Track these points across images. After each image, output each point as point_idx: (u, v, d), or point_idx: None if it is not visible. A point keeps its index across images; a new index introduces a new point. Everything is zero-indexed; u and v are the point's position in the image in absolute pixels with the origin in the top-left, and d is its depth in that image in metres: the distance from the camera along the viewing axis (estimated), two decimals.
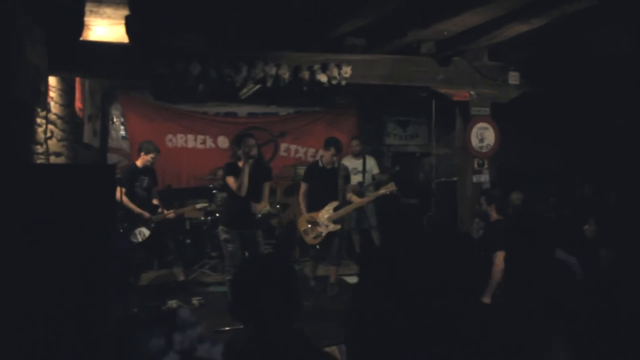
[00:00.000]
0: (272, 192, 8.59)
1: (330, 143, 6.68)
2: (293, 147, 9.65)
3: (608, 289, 5.07)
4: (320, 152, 7.28)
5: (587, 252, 6.11)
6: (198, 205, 7.26)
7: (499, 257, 4.90)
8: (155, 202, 6.85)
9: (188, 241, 8.08)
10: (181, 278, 6.85)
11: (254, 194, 5.97)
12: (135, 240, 6.49)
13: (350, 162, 8.12)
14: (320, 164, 6.77)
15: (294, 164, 9.14)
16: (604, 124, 8.05)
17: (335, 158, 6.69)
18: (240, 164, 5.91)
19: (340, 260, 6.97)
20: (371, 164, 8.37)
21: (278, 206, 8.62)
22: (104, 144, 8.74)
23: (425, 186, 9.02)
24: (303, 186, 6.81)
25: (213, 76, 5.76)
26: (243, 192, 5.81)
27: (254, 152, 5.86)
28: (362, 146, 8.51)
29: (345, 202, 6.73)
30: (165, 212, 6.81)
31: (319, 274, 7.04)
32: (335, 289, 6.73)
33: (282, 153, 9.60)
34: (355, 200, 6.81)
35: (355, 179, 8.03)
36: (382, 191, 6.76)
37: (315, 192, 6.70)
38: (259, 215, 6.43)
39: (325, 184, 6.66)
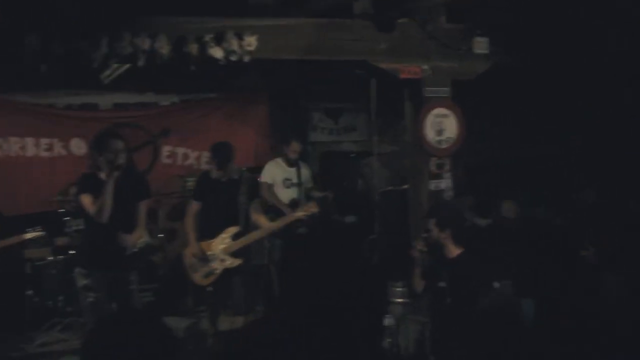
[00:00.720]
0: (153, 214, 8.44)
1: (214, 150, 6.72)
2: (180, 150, 9.55)
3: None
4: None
5: (586, 279, 6.41)
6: (28, 235, 7.01)
7: None
8: None
9: (29, 292, 7.77)
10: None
11: (124, 219, 5.85)
12: None
13: (280, 170, 8.04)
14: (213, 175, 6.75)
15: (182, 174, 9.02)
16: (604, 102, 8.47)
17: (227, 169, 6.70)
18: (104, 176, 5.76)
19: (250, 308, 6.89)
20: (306, 174, 8.28)
21: (161, 235, 8.46)
22: None
23: (365, 198, 9.09)
24: (194, 206, 6.77)
25: (59, 52, 5.61)
26: (104, 217, 5.68)
27: (122, 159, 5.71)
28: (301, 148, 8.34)
29: (251, 227, 6.71)
30: None
31: (223, 328, 6.94)
32: None
33: (165, 159, 9.48)
34: (264, 224, 6.79)
35: (288, 194, 7.95)
36: (298, 214, 6.79)
37: (209, 213, 6.67)
38: (134, 250, 6.29)
39: (221, 202, 6.64)
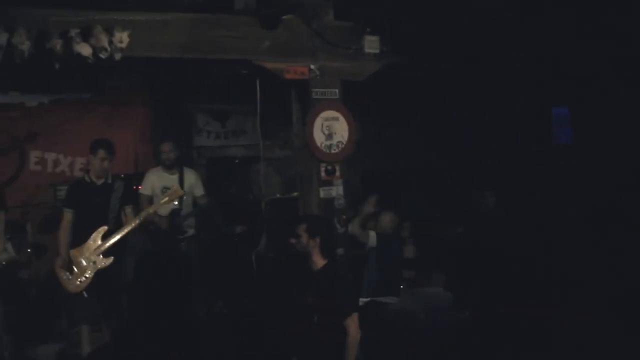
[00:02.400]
0: (20, 227, 8.16)
1: (97, 145, 6.65)
2: (50, 156, 9.35)
3: None
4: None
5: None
6: None
7: (353, 322, 5.09)
8: None
9: None
10: None
11: None
12: None
13: (159, 178, 7.84)
14: (87, 179, 6.71)
15: (53, 182, 8.82)
16: (499, 102, 8.75)
17: (106, 166, 6.65)
18: None
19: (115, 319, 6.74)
20: (191, 180, 8.05)
21: (29, 250, 8.16)
22: None
23: (255, 206, 9.03)
24: (66, 215, 6.68)
25: None
26: None
27: None
28: (177, 152, 8.11)
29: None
30: None
31: (98, 345, 6.76)
32: None
33: (33, 166, 9.27)
34: (130, 220, 6.65)
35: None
36: (162, 201, 6.65)
37: (83, 221, 6.56)
38: None
39: (98, 208, 6.59)
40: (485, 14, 7.04)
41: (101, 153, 6.59)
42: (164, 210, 7.38)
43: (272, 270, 7.89)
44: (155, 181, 7.72)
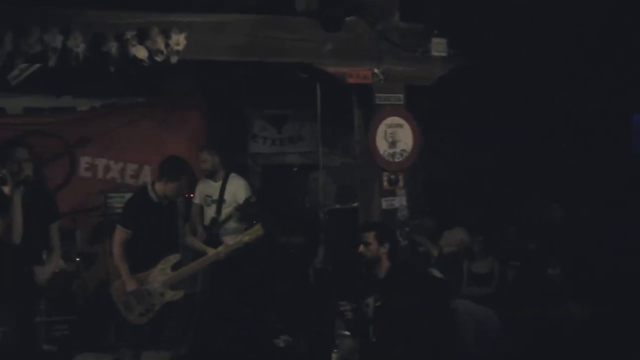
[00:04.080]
0: (69, 235, 8.28)
1: (179, 170, 6.61)
2: (101, 162, 9.41)
3: None
4: (148, 173, 7.14)
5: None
6: None
7: None
8: None
9: None
10: None
11: (31, 242, 5.73)
12: None
13: (204, 187, 7.92)
14: (153, 196, 6.64)
15: (103, 189, 8.91)
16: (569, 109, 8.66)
17: (184, 192, 6.75)
18: (7, 190, 5.60)
19: (181, 345, 6.83)
20: (233, 189, 8.10)
21: (78, 259, 8.31)
22: None
23: (313, 217, 9.04)
24: (121, 233, 6.63)
25: None
26: (15, 237, 5.56)
27: (27, 170, 5.62)
28: (217, 160, 8.20)
29: (192, 256, 6.72)
30: None
31: None
32: None
33: (83, 172, 9.34)
34: (208, 250, 6.73)
35: (208, 213, 7.84)
36: (246, 238, 6.77)
37: (141, 241, 6.57)
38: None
39: (160, 228, 6.57)
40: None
41: (184, 180, 6.62)
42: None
43: (330, 282, 7.88)
44: (202, 189, 7.80)
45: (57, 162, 9.02)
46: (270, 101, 10.20)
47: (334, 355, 6.30)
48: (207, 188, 7.88)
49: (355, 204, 7.41)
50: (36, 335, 5.76)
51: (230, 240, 7.07)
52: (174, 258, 6.52)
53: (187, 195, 7.78)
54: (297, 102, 9.90)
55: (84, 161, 9.35)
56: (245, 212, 7.81)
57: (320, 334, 7.51)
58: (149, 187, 6.77)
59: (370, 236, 5.66)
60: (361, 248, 5.76)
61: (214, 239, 7.35)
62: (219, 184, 7.91)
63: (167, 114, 9.63)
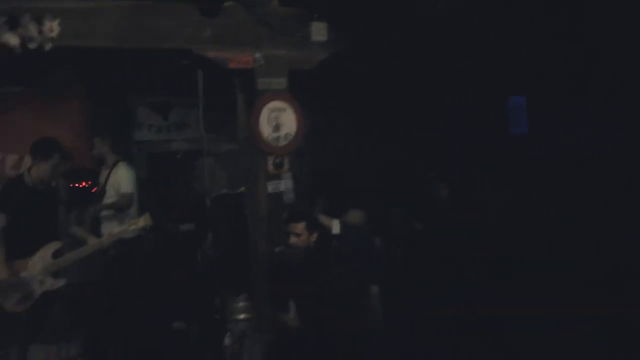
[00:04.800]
0: None
1: (49, 148, 6.46)
2: None
3: None
4: (27, 161, 7.00)
5: None
6: None
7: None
8: None
9: None
10: None
11: None
12: None
13: (101, 175, 7.97)
14: (28, 181, 6.49)
15: (10, 178, 8.59)
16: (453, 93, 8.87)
17: (60, 172, 6.57)
18: None
19: (63, 336, 6.73)
20: (117, 177, 8.08)
21: None
22: None
23: (200, 203, 9.01)
24: None
25: None
26: None
27: None
28: (105, 147, 8.17)
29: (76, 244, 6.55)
30: None
31: None
32: None
33: None
34: (91, 240, 6.63)
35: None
36: (131, 227, 6.69)
37: (21, 228, 6.37)
38: None
39: (38, 215, 6.42)
40: (437, 5, 7.11)
41: (56, 158, 6.42)
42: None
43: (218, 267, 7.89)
44: (100, 177, 7.77)
45: None
46: (154, 89, 10.09)
47: (226, 339, 6.33)
48: (101, 176, 8.05)
49: (241, 189, 7.43)
50: None
51: (115, 229, 7.00)
52: (54, 245, 6.38)
53: (71, 186, 7.68)
54: (182, 89, 9.84)
55: None
56: (121, 207, 7.81)
57: (212, 319, 7.53)
58: (25, 173, 6.60)
59: (300, 227, 5.85)
60: (292, 239, 5.93)
61: (95, 228, 7.35)
62: (106, 173, 7.91)
63: (46, 104, 9.43)
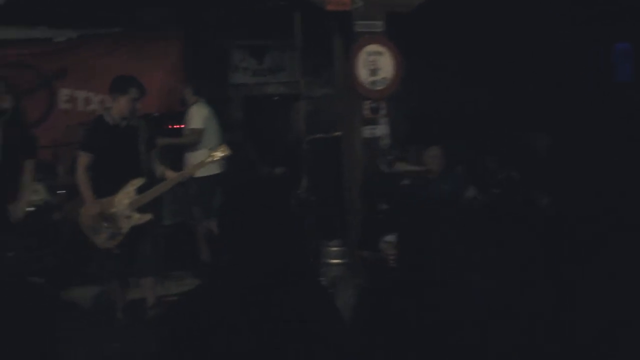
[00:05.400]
0: (51, 169, 8.37)
1: (125, 83, 6.54)
2: (81, 94, 9.40)
3: None
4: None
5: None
6: None
7: None
8: None
9: None
10: None
11: (9, 176, 5.81)
12: None
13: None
14: (109, 120, 6.57)
15: (83, 121, 8.62)
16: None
17: (137, 107, 6.58)
18: None
19: (159, 269, 6.85)
20: (190, 113, 8.36)
21: (61, 192, 8.31)
22: None
23: (295, 146, 9.04)
24: (83, 158, 6.53)
25: None
26: None
27: (5, 103, 5.57)
28: (188, 89, 8.41)
29: (156, 180, 6.66)
30: None
31: (133, 296, 6.95)
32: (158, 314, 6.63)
33: (63, 105, 9.35)
34: (170, 175, 6.72)
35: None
36: (209, 159, 6.77)
37: (104, 166, 6.52)
38: (30, 209, 6.28)
39: (121, 152, 6.52)
40: None
41: (133, 92, 6.45)
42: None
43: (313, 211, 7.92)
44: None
45: (35, 95, 8.99)
46: (250, 32, 10.11)
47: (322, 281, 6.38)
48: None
49: (338, 133, 7.42)
50: (18, 268, 5.75)
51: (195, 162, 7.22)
52: (138, 181, 6.47)
53: (170, 127, 7.83)
54: (278, 32, 9.83)
55: (63, 93, 9.33)
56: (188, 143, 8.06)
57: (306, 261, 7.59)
58: (105, 112, 6.70)
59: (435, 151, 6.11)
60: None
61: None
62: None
63: (144, 45, 9.57)
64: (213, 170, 7.91)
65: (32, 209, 6.47)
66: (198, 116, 8.29)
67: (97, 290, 7.29)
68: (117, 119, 6.52)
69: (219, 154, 6.73)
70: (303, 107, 8.74)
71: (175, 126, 8.80)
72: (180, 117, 8.62)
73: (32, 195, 6.85)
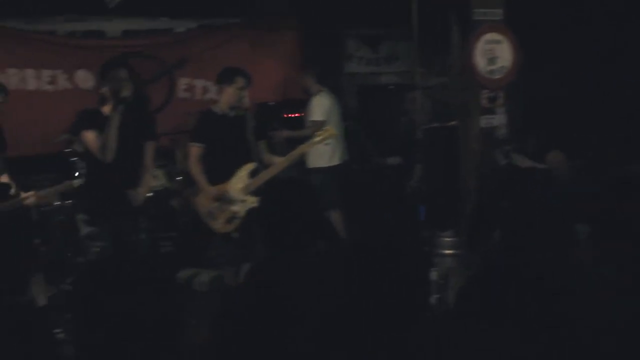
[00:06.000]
0: (170, 155, 8.56)
1: (231, 73, 6.68)
2: (199, 83, 9.54)
3: None
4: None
5: None
6: (76, 182, 7.15)
7: None
8: (4, 179, 6.79)
9: (36, 240, 7.91)
10: (42, 301, 6.72)
11: (130, 160, 5.95)
12: None
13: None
14: (217, 111, 6.73)
15: (202, 110, 8.99)
16: None
17: (244, 96, 6.67)
18: (108, 110, 5.80)
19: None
20: (313, 104, 8.37)
21: (180, 178, 8.51)
22: None
23: (409, 136, 9.00)
24: (194, 149, 6.75)
25: None
26: (109, 155, 5.77)
27: (128, 90, 5.73)
28: (310, 79, 8.46)
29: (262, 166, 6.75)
30: (23, 194, 6.61)
31: (246, 279, 7.01)
32: None
33: (182, 93, 9.51)
34: (277, 160, 6.79)
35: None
36: (316, 139, 6.73)
37: (216, 154, 6.68)
38: (149, 195, 6.43)
39: (231, 140, 6.65)
40: None
41: (240, 82, 6.57)
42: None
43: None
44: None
45: (156, 84, 9.17)
46: (365, 20, 10.10)
47: (432, 274, 6.34)
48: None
49: (453, 123, 7.36)
50: (135, 250, 5.92)
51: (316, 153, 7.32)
52: (250, 166, 6.57)
53: (285, 116, 7.91)
54: (393, 21, 9.81)
55: (182, 82, 9.50)
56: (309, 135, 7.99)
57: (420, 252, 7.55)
58: (214, 104, 6.88)
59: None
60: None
61: None
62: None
63: (261, 35, 9.67)
64: (334, 161, 7.93)
65: (151, 194, 6.62)
66: (320, 108, 8.30)
67: (213, 275, 7.45)
68: (225, 109, 6.65)
69: (326, 134, 6.74)
70: (418, 96, 8.70)
71: (291, 115, 8.87)
72: (297, 105, 8.69)
73: (152, 181, 7.02)
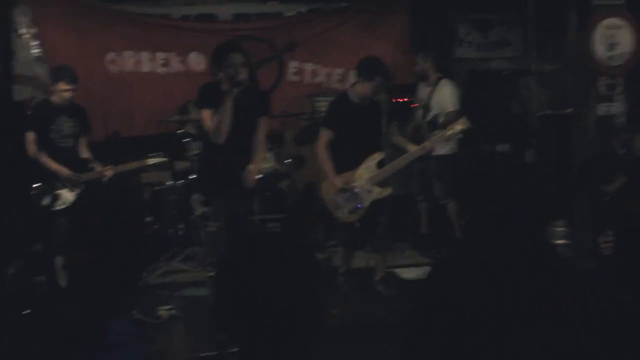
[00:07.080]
0: (279, 138, 8.64)
1: (373, 70, 6.53)
2: (308, 66, 9.58)
3: None
4: (352, 77, 7.18)
5: None
6: (151, 160, 7.36)
7: None
8: (85, 155, 7.11)
9: (149, 219, 8.13)
10: (64, 282, 6.92)
11: (244, 142, 5.99)
12: (53, 207, 6.77)
13: (419, 91, 8.16)
14: (353, 98, 6.67)
15: (311, 94, 9.08)
16: None
17: (380, 91, 6.61)
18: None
19: (389, 244, 6.94)
20: (441, 93, 8.08)
21: (288, 161, 8.61)
22: (5, 70, 8.71)
23: (521, 123, 8.88)
24: (324, 134, 6.72)
25: None
26: (221, 137, 5.84)
27: (243, 75, 5.80)
28: (428, 64, 8.25)
29: (394, 153, 6.69)
30: (99, 168, 7.03)
31: (354, 266, 7.11)
32: (387, 288, 6.76)
33: (291, 77, 9.55)
34: (412, 148, 6.75)
35: (417, 116, 8.02)
36: (449, 132, 6.69)
37: (345, 142, 6.64)
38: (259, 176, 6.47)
39: (361, 129, 6.60)
40: None
41: (378, 80, 6.50)
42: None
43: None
44: (418, 93, 8.04)
45: (266, 67, 9.21)
46: (475, 5, 9.98)
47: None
48: (420, 92, 8.15)
49: (569, 110, 7.22)
50: (247, 231, 6.00)
51: (434, 138, 7.11)
52: (378, 156, 6.56)
53: (393, 101, 7.84)
54: (504, 5, 9.67)
55: (292, 66, 9.55)
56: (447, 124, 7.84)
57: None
58: (350, 90, 6.82)
59: None
60: None
61: (417, 143, 7.33)
62: (429, 90, 8.00)
63: (371, 19, 9.62)
64: (452, 149, 7.78)
65: (261, 175, 6.70)
66: (453, 97, 7.90)
67: (321, 258, 7.51)
68: (359, 98, 6.64)
69: (459, 127, 6.66)
70: (532, 82, 8.57)
71: (399, 100, 8.81)
72: (404, 90, 8.62)
73: (262, 162, 7.09)
